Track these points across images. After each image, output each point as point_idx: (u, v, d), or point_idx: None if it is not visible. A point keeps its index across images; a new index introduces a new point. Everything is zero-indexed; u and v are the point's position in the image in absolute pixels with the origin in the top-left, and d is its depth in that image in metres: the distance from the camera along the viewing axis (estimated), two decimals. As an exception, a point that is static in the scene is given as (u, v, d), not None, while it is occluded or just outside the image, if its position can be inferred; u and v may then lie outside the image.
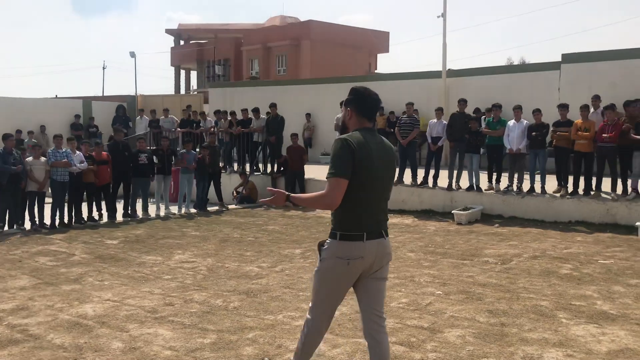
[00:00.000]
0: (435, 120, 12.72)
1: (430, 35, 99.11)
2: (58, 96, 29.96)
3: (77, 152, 11.78)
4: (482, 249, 8.66)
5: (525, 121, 11.63)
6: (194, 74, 58.05)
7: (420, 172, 12.96)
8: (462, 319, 5.43)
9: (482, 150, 12.46)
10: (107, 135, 20.19)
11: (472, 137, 12.10)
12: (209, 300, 6.15)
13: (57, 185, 11.23)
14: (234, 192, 15.47)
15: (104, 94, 37.48)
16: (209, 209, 13.97)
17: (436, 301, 6.00)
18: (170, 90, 56.26)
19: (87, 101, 22.86)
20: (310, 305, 3.69)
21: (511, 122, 11.69)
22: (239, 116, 16.60)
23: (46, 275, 7.37)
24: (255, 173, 15.88)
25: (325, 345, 4.70)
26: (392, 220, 11.70)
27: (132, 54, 33.44)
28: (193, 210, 13.74)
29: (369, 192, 3.41)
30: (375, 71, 44.95)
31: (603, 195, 10.74)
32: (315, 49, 44.06)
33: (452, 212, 11.45)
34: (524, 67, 16.69)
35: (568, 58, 15.57)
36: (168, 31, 59.66)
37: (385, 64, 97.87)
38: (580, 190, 11.03)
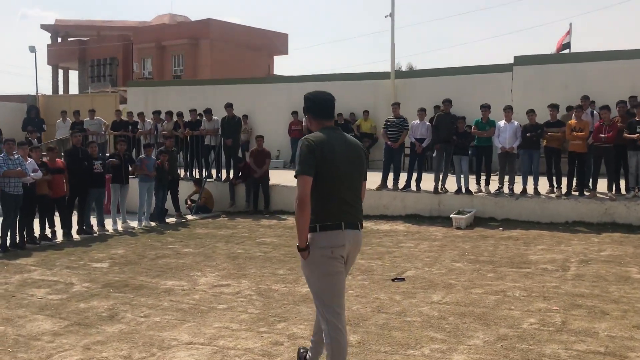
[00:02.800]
0: (417, 121, 12.26)
1: (328, 41, 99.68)
2: None
3: (29, 159, 9.95)
4: (523, 255, 8.28)
5: (516, 122, 11.53)
6: (73, 74, 53.67)
7: (402, 176, 12.46)
8: (624, 338, 4.90)
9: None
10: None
11: (460, 138, 11.80)
12: (315, 334, 5.13)
13: (9, 199, 9.35)
14: (188, 201, 14.06)
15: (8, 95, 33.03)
16: (166, 220, 12.54)
17: (567, 318, 5.43)
18: (46, 90, 51.52)
19: (-15, 101, 20.00)
20: (318, 311, 3.73)
21: (501, 123, 11.53)
22: (187, 117, 15.21)
23: (66, 313, 5.89)
24: (209, 180, 14.54)
25: None
26: (381, 226, 11.14)
27: (32, 49, 29.70)
28: (152, 223, 12.23)
29: (337, 184, 3.62)
30: (275, 73, 44.23)
31: (599, 195, 10.85)
32: (214, 49, 42.44)
33: (451, 216, 11.02)
34: (474, 69, 16.74)
35: (520, 60, 15.88)
36: (44, 27, 54.87)
37: (282, 66, 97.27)
38: (573, 191, 11.10)
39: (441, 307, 5.90)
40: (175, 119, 15.35)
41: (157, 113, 15.91)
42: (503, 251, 8.61)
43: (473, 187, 11.86)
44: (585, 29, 76.14)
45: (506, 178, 11.58)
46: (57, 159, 10.61)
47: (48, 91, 50.38)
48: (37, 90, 28.50)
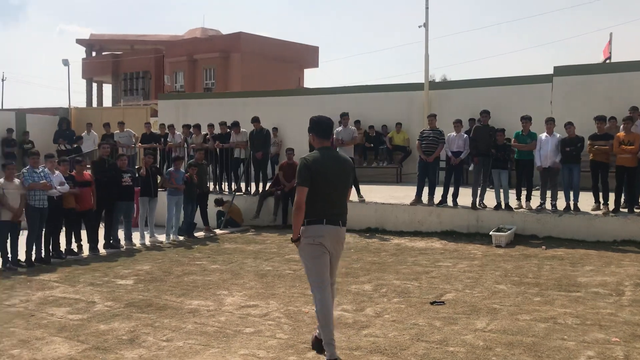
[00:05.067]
0: (454, 133, 11.77)
1: (356, 54, 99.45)
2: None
3: (56, 172, 9.77)
4: (571, 277, 7.71)
5: (558, 134, 10.96)
6: (107, 87, 54.36)
7: (438, 191, 11.95)
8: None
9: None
10: (43, 153, 17.70)
11: (500, 151, 11.27)
12: (350, 365, 4.70)
13: (34, 212, 9.18)
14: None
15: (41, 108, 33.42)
16: (195, 234, 12.26)
17: (630, 352, 4.89)
18: (81, 103, 52.25)
19: (21, 113, 20.12)
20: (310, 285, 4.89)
21: (543, 135, 10.99)
22: (217, 130, 14.98)
23: (85, 335, 5.57)
24: (238, 193, 14.24)
25: None
26: (416, 243, 10.67)
27: (66, 62, 30.08)
28: (180, 237, 11.95)
29: (325, 191, 4.64)
30: (305, 86, 44.00)
31: (650, 212, 10.20)
32: (245, 62, 42.51)
33: (491, 233, 10.49)
34: (512, 80, 16.16)
35: (560, 71, 15.26)
36: (79, 41, 55.79)
37: (312, 78, 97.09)
38: (622, 208, 10.45)
39: (486, 335, 5.41)
40: (204, 132, 15.13)
41: (186, 126, 15.74)
42: (548, 272, 8.05)
43: (513, 202, 11.30)
44: (624, 39, 74.35)
45: (548, 194, 11.00)
46: (84, 172, 10.41)
47: (82, 104, 51.07)
48: (69, 103, 28.73)
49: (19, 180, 9.18)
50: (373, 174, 17.61)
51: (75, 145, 17.79)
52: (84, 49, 55.61)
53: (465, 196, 11.65)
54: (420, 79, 16.72)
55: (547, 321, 5.79)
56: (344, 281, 7.78)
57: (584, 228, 10.45)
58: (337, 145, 13.17)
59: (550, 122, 10.97)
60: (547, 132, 10.94)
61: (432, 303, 6.60)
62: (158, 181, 11.78)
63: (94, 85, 54.33)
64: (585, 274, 7.88)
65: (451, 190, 11.77)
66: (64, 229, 10.09)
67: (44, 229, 9.46)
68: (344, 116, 13.06)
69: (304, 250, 4.73)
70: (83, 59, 53.71)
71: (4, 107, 33.73)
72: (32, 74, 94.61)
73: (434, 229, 11.68)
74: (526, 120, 11.19)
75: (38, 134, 19.28)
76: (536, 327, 5.60)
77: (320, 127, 4.85)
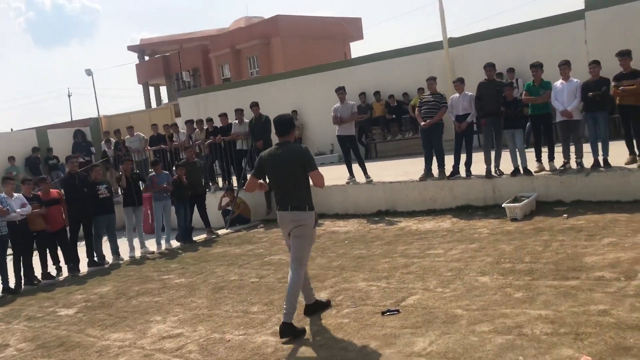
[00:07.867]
0: (456, 94, 10.24)
1: (399, 14, 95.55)
2: (13, 130, 26.94)
3: (16, 194, 9.17)
4: (578, 257, 6.20)
5: (576, 80, 9.21)
6: (163, 89, 54.99)
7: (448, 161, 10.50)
8: None
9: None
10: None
11: (510, 108, 9.67)
12: None
13: (-7, 241, 8.61)
14: (221, 202, 12.86)
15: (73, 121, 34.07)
16: (195, 238, 11.44)
17: (597, 380, 3.52)
18: (140, 108, 53.17)
19: (41, 131, 20.06)
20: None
21: (558, 83, 9.29)
22: (217, 123, 14.08)
23: (-46, 397, 4.80)
24: (244, 188, 13.27)
25: None
26: (424, 225, 9.32)
27: (89, 72, 30.24)
28: (176, 244, 11.17)
29: (276, 182, 5.41)
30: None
31: (696, 159, 8.35)
32: (286, 45, 41.47)
33: (503, 205, 8.99)
34: (538, 23, 14.19)
35: (593, 4, 13.20)
36: (130, 48, 56.62)
37: (360, 51, 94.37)
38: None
39: (417, 362, 4.15)
40: (206, 126, 14.27)
41: (189, 122, 14.93)
42: (553, 251, 6.56)
43: (533, 165, 9.69)
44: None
45: (572, 150, 9.33)
46: (51, 190, 9.77)
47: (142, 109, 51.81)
48: (98, 112, 28.82)
49: (-29, 208, 8.62)
50: (399, 147, 16.25)
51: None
52: (135, 54, 56.42)
53: (480, 164, 10.15)
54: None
55: (510, 332, 4.42)
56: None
57: (617, 186, 8.72)
58: (336, 123, 11.93)
59: (564, 66, 9.23)
60: (562, 79, 9.24)
61: (383, 313, 5.36)
62: (141, 188, 11.00)
63: (151, 89, 55.03)
64: (598, 250, 6.33)
65: (463, 159, 10.30)
66: (38, 252, 9.51)
67: (7, 257, 8.89)
68: (339, 91, 11.77)
69: None
70: (136, 65, 54.54)
71: (73, 119, 34.17)
72: (103, 86, 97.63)
73: (448, 205, 10.27)
74: (536, 68, 9.49)
75: (63, 149, 19.13)
76: (490, 344, 4.25)
77: (275, 125, 5.39)
